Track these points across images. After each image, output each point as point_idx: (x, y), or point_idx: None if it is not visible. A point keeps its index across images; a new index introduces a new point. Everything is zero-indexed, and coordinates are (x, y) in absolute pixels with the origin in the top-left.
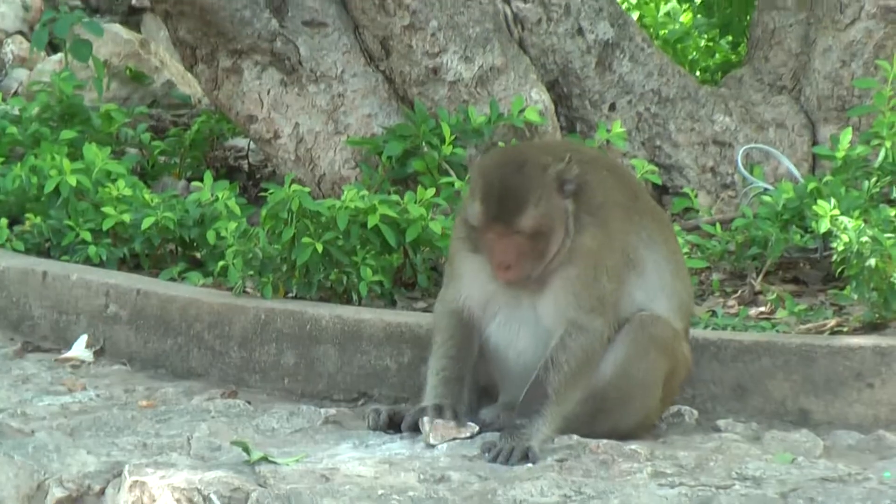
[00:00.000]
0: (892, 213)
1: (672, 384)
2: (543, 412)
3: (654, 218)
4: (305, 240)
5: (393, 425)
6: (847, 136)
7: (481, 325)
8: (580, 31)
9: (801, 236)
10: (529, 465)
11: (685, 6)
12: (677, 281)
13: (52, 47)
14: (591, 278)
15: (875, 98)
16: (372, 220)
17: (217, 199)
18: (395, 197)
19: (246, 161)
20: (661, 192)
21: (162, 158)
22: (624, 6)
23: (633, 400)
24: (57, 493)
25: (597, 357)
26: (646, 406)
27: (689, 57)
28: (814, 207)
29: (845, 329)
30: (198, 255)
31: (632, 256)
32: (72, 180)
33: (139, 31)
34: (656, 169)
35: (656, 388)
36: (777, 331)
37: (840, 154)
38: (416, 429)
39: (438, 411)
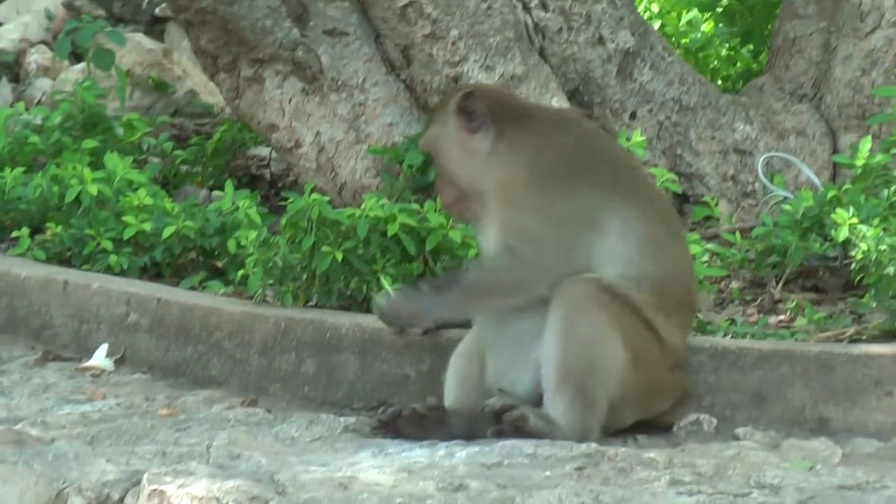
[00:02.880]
0: None
1: (646, 355)
2: (443, 290)
3: (641, 195)
4: (325, 248)
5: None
6: (867, 145)
7: None
8: (601, 40)
9: (821, 244)
10: None
11: (707, 15)
12: (646, 257)
13: (76, 57)
14: (512, 214)
15: (895, 106)
16: (392, 229)
17: (238, 207)
18: (415, 205)
19: (268, 170)
20: (681, 200)
21: (184, 167)
22: (645, 15)
23: (595, 362)
24: (76, 501)
25: (521, 285)
26: (613, 372)
27: (711, 66)
28: (833, 216)
29: (864, 337)
30: (218, 263)
31: (587, 213)
32: (93, 189)
33: (162, 41)
34: (676, 177)
35: (612, 346)
36: (796, 339)
37: (860, 162)
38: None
39: None
